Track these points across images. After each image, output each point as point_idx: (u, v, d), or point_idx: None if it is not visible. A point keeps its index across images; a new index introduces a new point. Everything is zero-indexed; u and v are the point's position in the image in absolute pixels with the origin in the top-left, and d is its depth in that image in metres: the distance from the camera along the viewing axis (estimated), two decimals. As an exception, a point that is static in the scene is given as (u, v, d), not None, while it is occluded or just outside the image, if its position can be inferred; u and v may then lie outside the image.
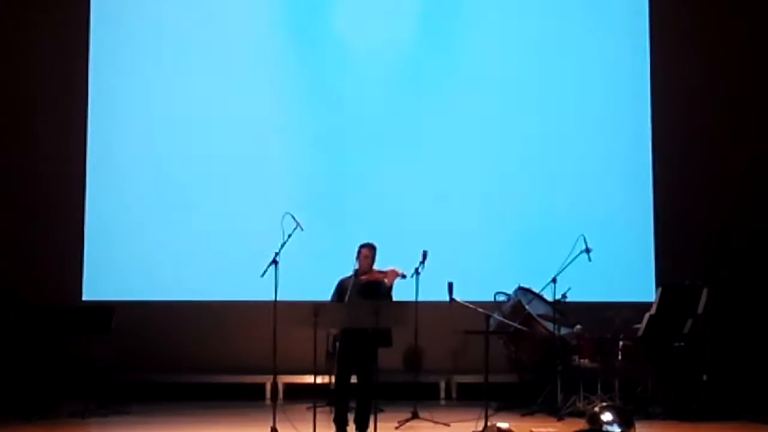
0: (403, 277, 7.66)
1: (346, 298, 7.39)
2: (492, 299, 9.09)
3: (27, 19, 10.70)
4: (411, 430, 8.09)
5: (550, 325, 8.78)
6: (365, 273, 7.60)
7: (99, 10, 10.67)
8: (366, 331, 7.28)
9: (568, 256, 8.68)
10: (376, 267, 7.63)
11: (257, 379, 9.81)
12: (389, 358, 7.57)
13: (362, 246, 7.67)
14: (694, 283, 8.90)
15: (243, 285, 9.21)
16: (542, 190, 10.46)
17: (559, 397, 8.62)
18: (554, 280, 8.65)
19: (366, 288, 7.51)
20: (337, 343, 7.60)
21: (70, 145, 10.52)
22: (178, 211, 10.41)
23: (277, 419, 7.30)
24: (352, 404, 7.44)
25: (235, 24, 10.66)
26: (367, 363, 7.37)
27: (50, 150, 10.52)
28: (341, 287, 7.59)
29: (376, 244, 7.68)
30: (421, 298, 8.18)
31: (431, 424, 8.26)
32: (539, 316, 8.97)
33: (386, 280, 7.55)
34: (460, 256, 9.93)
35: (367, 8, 10.65)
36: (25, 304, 9.12)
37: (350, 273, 7.62)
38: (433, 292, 8.14)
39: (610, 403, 7.74)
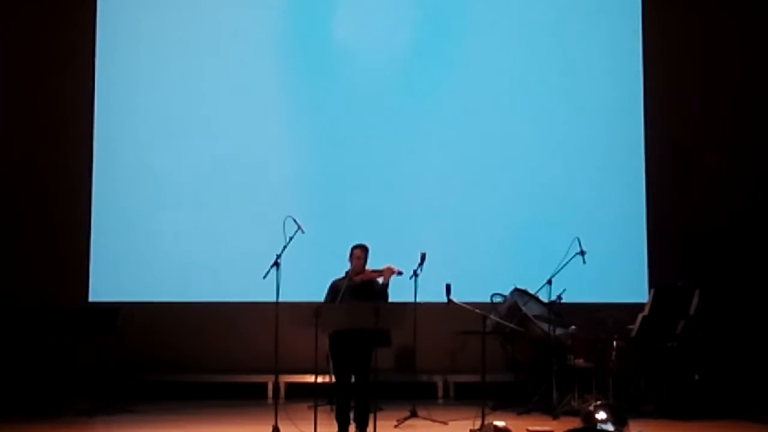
0: (400, 274, 7.60)
1: (338, 299, 7.37)
2: (489, 300, 9.16)
3: (33, 20, 10.73)
4: (410, 429, 8.16)
5: (545, 326, 8.85)
6: (358, 273, 7.56)
7: (105, 12, 10.73)
8: (361, 331, 7.27)
9: (564, 258, 8.77)
10: (368, 267, 7.60)
11: (259, 378, 9.90)
12: (385, 357, 7.59)
13: (354, 247, 7.63)
14: (686, 284, 8.96)
15: (245, 287, 9.31)
16: (538, 193, 10.54)
17: (555, 396, 8.70)
18: (550, 282, 8.75)
19: (360, 288, 7.50)
20: (328, 342, 7.54)
21: (77, 147, 10.55)
22: (182, 215, 10.48)
23: (278, 418, 7.32)
24: (353, 403, 7.46)
25: (238, 30, 10.75)
26: (363, 362, 7.37)
27: (57, 152, 10.55)
28: (334, 289, 7.54)
29: (368, 245, 7.67)
30: (419, 299, 8.24)
31: (429, 422, 8.33)
32: (535, 316, 9.04)
33: (383, 278, 7.53)
34: (457, 259, 10.02)
35: (368, 16, 10.76)
36: (32, 305, 9.26)
37: (342, 274, 7.62)
38: (431, 293, 8.18)
39: (604, 401, 7.73)
